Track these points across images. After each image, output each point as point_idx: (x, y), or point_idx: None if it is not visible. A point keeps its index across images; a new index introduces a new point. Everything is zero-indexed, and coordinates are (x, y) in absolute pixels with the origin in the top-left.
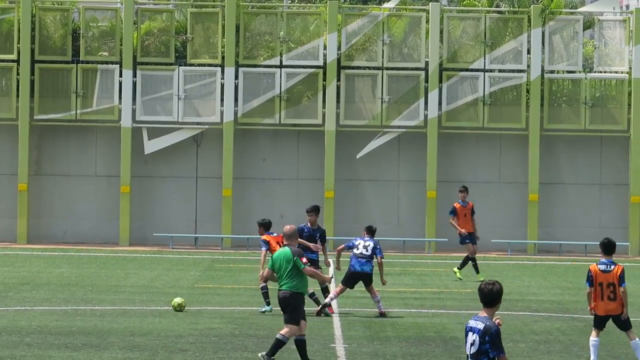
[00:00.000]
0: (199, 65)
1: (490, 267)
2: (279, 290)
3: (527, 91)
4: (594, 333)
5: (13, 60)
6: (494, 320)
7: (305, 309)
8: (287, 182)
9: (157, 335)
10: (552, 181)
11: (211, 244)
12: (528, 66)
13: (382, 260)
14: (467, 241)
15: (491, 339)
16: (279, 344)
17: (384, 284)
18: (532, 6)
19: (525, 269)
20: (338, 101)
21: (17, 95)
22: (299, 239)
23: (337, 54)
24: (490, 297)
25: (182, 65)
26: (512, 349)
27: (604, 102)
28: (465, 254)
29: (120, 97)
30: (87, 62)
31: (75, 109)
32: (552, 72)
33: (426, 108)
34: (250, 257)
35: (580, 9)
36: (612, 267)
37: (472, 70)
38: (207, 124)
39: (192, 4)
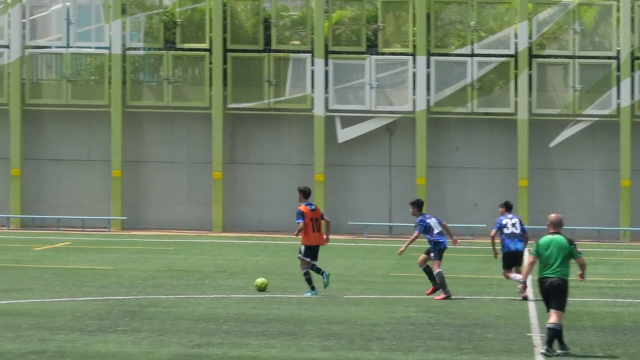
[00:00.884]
0: (391, 54)
1: None
2: (544, 277)
3: None
4: None
5: (205, 49)
6: None
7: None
8: (480, 171)
9: (353, 323)
10: None
11: (406, 232)
12: None
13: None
14: None
15: None
16: (555, 333)
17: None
18: None
19: None
20: (530, 90)
21: (210, 84)
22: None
23: (528, 42)
24: None
25: (373, 54)
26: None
27: None
28: None
29: (312, 86)
30: (279, 51)
31: (267, 97)
32: None
33: (618, 97)
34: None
35: None
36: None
37: None
38: (400, 113)
39: None
